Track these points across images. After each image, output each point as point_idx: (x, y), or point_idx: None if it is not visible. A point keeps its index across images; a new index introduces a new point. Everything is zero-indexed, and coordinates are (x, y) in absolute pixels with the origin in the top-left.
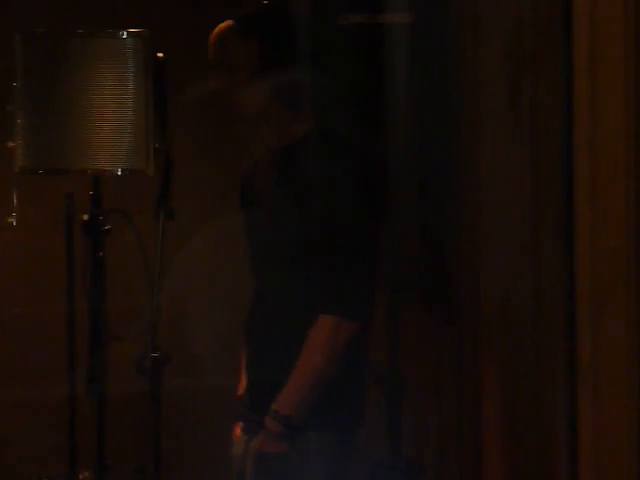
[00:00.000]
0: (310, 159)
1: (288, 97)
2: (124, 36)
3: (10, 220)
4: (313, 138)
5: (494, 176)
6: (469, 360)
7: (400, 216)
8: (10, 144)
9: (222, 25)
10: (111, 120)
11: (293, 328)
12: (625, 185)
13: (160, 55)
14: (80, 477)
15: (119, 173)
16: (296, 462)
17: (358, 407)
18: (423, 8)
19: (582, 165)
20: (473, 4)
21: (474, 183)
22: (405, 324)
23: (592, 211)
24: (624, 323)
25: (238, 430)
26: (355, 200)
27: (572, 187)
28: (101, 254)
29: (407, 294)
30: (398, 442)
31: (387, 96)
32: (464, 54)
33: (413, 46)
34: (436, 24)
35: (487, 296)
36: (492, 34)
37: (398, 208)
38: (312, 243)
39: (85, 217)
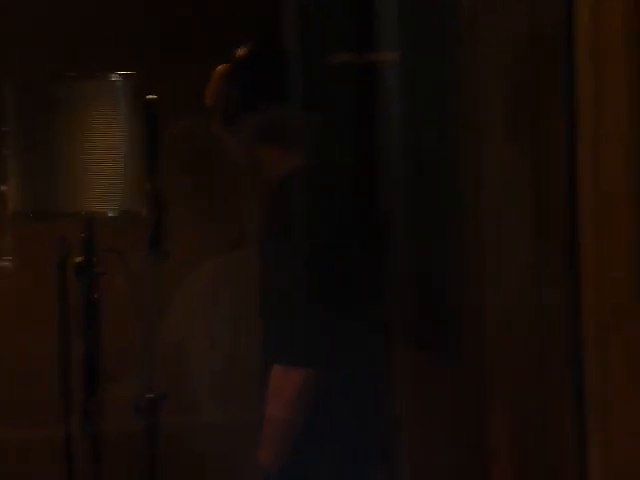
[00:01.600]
0: (287, 198)
1: (275, 137)
2: (114, 78)
3: (4, 263)
4: (293, 179)
5: (495, 212)
6: (472, 401)
7: (397, 255)
8: (2, 188)
9: (217, 68)
10: (103, 162)
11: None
12: (630, 216)
13: (151, 97)
14: None
15: (112, 215)
16: None
17: (358, 455)
18: (416, 46)
19: (586, 196)
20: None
21: (474, 219)
22: (402, 364)
23: (597, 242)
24: (631, 354)
25: None
26: (319, 245)
27: (576, 219)
28: (95, 295)
29: (403, 334)
30: None
31: (379, 135)
32: (461, 87)
33: (405, 84)
34: (429, 62)
35: (491, 335)
36: (490, 60)
37: (394, 247)
38: (275, 288)
39: (78, 259)
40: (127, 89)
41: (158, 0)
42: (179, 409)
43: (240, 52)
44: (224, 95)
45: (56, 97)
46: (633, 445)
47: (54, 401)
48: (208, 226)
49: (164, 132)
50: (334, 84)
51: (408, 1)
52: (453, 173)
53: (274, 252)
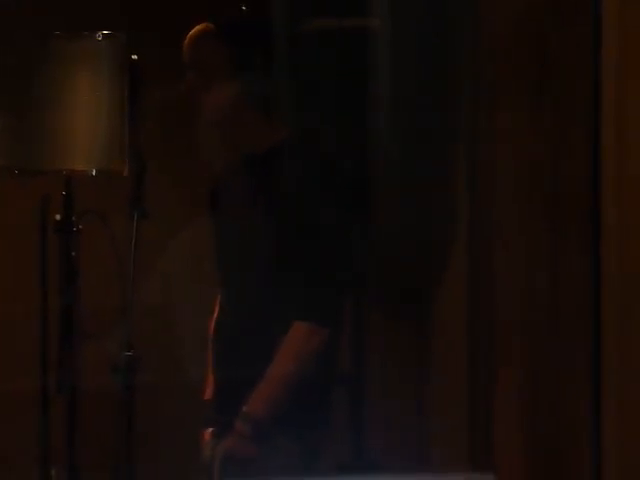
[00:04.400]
0: (283, 168)
1: (261, 103)
2: (99, 38)
3: None
4: (286, 147)
5: (500, 177)
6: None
7: (380, 218)
8: None
9: (199, 27)
10: (86, 121)
11: (263, 332)
12: None
13: (134, 57)
14: (51, 476)
15: (93, 174)
16: (263, 465)
17: (325, 411)
18: (404, 12)
19: (609, 164)
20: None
21: (478, 180)
22: (372, 325)
23: (619, 211)
24: None
25: (207, 435)
26: (325, 209)
27: (599, 187)
28: (74, 254)
29: (375, 295)
30: (363, 444)
31: (366, 101)
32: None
33: (394, 48)
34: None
35: (497, 296)
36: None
37: (379, 211)
38: (284, 250)
39: (58, 217)
40: (112, 49)
41: None
42: (156, 369)
43: (232, 14)
44: (214, 55)
45: (41, 55)
46: None
47: (33, 357)
48: (188, 186)
49: (147, 93)
50: (316, 51)
51: None
52: (450, 141)
53: (264, 221)
